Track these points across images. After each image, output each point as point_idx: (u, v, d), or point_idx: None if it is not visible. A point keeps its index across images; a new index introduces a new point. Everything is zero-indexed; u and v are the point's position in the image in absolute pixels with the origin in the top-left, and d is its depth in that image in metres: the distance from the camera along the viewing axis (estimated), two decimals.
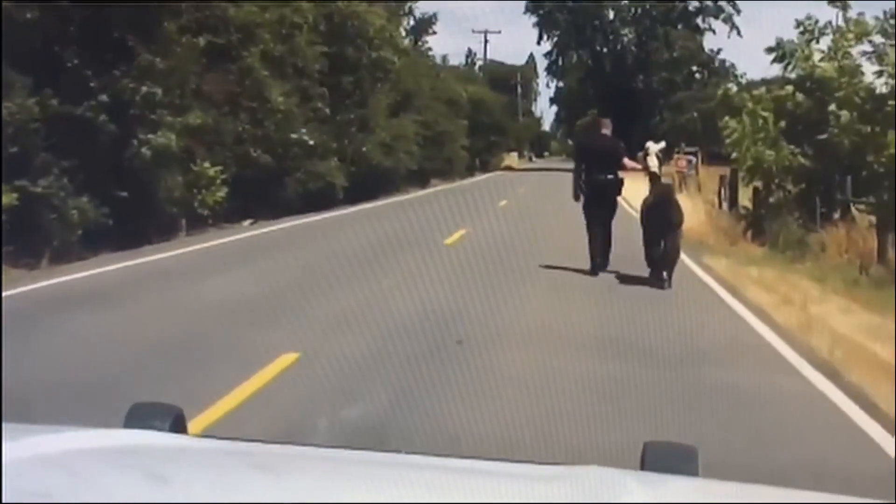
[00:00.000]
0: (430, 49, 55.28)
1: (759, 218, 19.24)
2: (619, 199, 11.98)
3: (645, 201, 11.73)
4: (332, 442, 4.11)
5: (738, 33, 70.51)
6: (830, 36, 20.31)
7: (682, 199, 27.15)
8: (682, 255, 14.23)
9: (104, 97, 13.61)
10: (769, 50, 21.33)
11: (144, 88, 13.51)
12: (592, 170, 11.70)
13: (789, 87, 20.44)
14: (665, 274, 10.55)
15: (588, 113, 67.21)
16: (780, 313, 8.84)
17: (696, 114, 67.88)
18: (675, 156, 33.42)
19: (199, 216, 17.12)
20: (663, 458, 1.74)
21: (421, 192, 33.22)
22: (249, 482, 1.59)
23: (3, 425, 1.61)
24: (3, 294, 8.47)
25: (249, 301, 8.73)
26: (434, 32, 59.48)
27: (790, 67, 20.87)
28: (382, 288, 9.57)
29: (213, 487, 1.54)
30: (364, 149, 25.06)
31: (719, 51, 74.70)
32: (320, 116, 22.52)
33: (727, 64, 73.80)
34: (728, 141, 19.15)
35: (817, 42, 20.49)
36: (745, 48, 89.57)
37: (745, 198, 22.37)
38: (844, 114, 17.97)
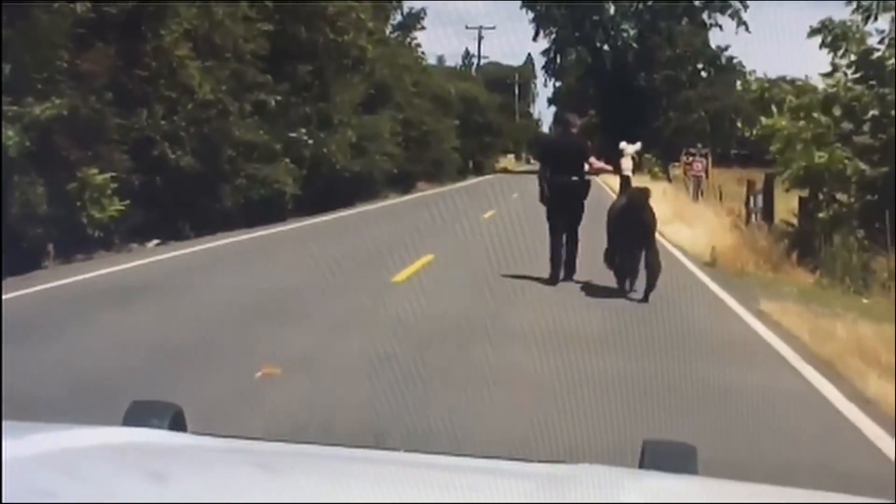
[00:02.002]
0: (419, 45, 51.61)
1: (808, 236, 15.25)
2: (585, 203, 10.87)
3: (613, 206, 10.82)
4: (331, 440, 2.63)
5: (747, 29, 66.58)
6: (892, 14, 16.45)
7: (701, 209, 23.17)
8: (730, 299, 10.32)
9: None
10: (813, 31, 17.50)
11: None
12: (555, 171, 10.81)
13: (839, 76, 16.56)
14: (644, 289, 9.56)
15: (588, 113, 63.70)
16: None
17: (703, 113, 64.43)
18: (690, 158, 29.54)
19: (90, 237, 13.17)
20: (662, 456, 1.73)
21: (399, 200, 29.25)
22: (249, 480, 1.57)
23: (4, 423, 1.55)
24: None
25: None
26: (423, 27, 55.99)
27: (840, 52, 16.99)
28: (248, 388, 5.55)
29: (213, 486, 1.53)
30: (325, 150, 21.00)
31: (727, 47, 70.18)
32: (266, 110, 18.52)
33: (734, 61, 70.11)
34: (774, 143, 15.13)
35: (875, 20, 16.64)
36: (754, 46, 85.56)
37: (782, 209, 18.47)
38: None
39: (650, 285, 9.48)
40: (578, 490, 1.61)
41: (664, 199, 25.49)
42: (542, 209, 10.89)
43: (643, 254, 9.59)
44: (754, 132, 16.19)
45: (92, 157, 12.70)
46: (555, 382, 5.76)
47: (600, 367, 6.21)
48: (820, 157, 14.96)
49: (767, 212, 18.04)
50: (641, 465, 1.70)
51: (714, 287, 11.15)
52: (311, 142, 21.13)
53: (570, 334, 7.21)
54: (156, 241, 14.36)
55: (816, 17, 17.38)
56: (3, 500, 1.22)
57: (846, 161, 15.24)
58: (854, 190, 15.22)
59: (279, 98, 19.14)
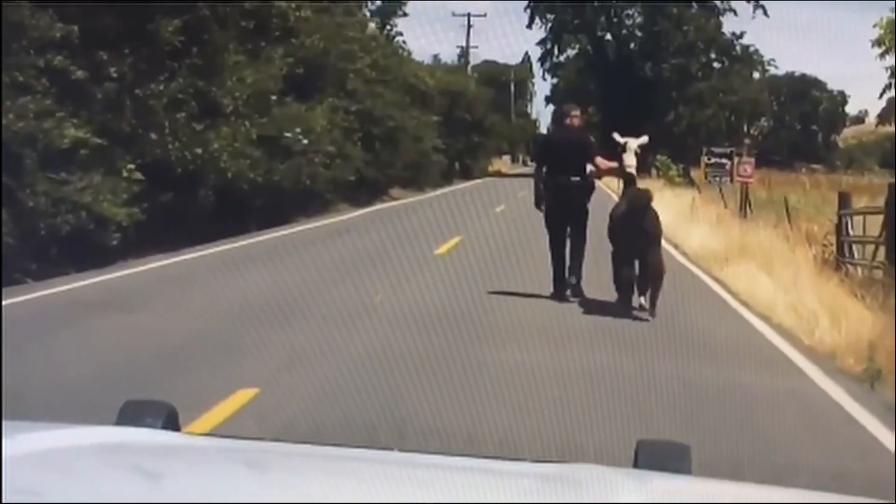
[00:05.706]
0: (399, 34, 44.92)
1: None
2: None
3: (613, 211, 9.85)
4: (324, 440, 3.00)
5: (765, 12, 59.58)
6: None
7: (764, 235, 15.57)
8: None
9: None
10: None
11: None
12: (554, 171, 10.07)
13: None
14: (644, 300, 9.20)
15: (588, 111, 57.09)
16: None
17: (719, 107, 57.96)
18: (732, 160, 22.78)
19: None
20: (656, 456, 1.73)
21: (348, 216, 22.27)
22: (241, 480, 1.57)
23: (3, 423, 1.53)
24: None
25: None
26: (404, 14, 49.52)
27: None
28: None
29: (206, 485, 1.52)
30: (200, 150, 13.94)
31: (742, 34, 63.28)
32: (80, 87, 11.54)
33: (751, 49, 63.30)
34: None
35: None
36: (770, 35, 78.73)
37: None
38: None
39: (653, 297, 8.98)
40: (574, 490, 1.62)
41: (700, 217, 18.49)
42: (534, 232, 10.13)
43: (645, 263, 9.04)
44: None
45: None
46: None
47: None
48: None
49: (893, 245, 11.08)
50: (636, 465, 1.71)
51: None
52: (204, 137, 14.28)
53: None
54: None
55: (826, 18, 11.61)
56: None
57: None
58: None
59: (119, 69, 12.17)
